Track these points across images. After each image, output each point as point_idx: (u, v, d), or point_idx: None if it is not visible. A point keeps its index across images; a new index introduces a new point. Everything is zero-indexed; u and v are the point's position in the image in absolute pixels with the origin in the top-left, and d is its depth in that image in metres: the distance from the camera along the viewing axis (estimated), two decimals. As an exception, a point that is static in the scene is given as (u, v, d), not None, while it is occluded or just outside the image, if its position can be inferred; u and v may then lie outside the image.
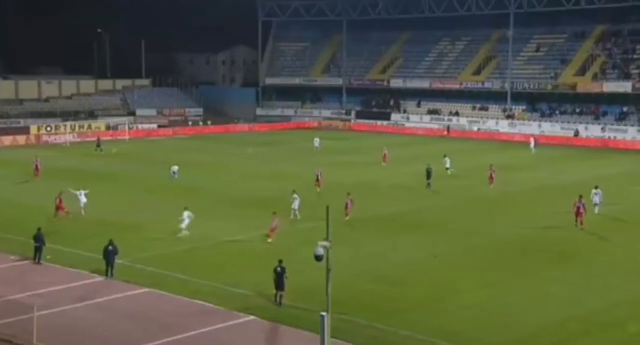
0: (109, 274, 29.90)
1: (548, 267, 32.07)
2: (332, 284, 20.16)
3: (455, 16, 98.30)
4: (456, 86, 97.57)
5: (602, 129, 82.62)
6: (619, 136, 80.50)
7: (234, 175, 57.56)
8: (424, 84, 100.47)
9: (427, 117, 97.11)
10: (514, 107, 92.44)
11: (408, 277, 30.46)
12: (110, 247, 30.02)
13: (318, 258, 19.76)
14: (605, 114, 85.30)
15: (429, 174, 50.74)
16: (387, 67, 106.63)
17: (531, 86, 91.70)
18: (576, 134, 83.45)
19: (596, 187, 41.58)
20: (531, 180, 55.36)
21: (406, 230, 38.42)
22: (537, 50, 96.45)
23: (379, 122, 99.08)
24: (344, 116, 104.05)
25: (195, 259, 32.98)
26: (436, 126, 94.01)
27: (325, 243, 19.81)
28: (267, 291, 27.14)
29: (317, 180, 48.80)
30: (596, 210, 40.79)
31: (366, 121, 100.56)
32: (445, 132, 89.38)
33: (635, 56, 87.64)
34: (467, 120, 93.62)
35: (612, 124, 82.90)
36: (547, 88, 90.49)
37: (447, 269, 31.61)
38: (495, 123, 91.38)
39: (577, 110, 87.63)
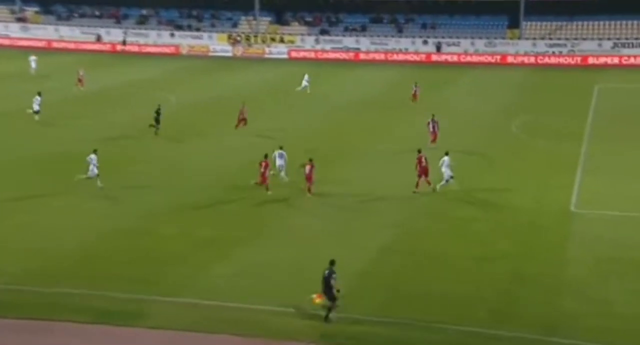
0: None
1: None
2: None
3: None
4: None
5: (124, 32, 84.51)
6: (141, 40, 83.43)
7: None
8: None
9: None
10: (25, 8, 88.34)
11: None
12: None
13: None
14: (126, 17, 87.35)
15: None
16: None
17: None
18: (98, 38, 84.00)
19: (447, 154, 32.56)
20: (60, 92, 54.42)
21: None
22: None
23: None
24: None
25: None
26: None
27: None
28: None
29: None
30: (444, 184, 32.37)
31: None
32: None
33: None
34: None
35: (134, 28, 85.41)
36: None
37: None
38: (5, 27, 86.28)
39: (97, 13, 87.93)
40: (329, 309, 20.12)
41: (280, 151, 33.26)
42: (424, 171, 31.74)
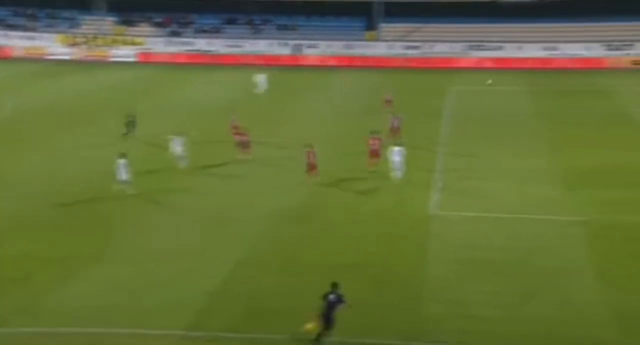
0: None
1: None
2: None
3: None
4: None
5: None
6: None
7: None
8: None
9: None
10: None
11: None
12: None
13: None
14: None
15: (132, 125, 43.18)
16: None
17: None
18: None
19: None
20: None
21: None
22: None
23: None
24: None
25: None
26: None
27: None
28: None
29: None
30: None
31: None
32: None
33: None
34: None
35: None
36: None
37: None
38: None
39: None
40: (321, 334, 19.57)
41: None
42: (372, 153, 36.21)
